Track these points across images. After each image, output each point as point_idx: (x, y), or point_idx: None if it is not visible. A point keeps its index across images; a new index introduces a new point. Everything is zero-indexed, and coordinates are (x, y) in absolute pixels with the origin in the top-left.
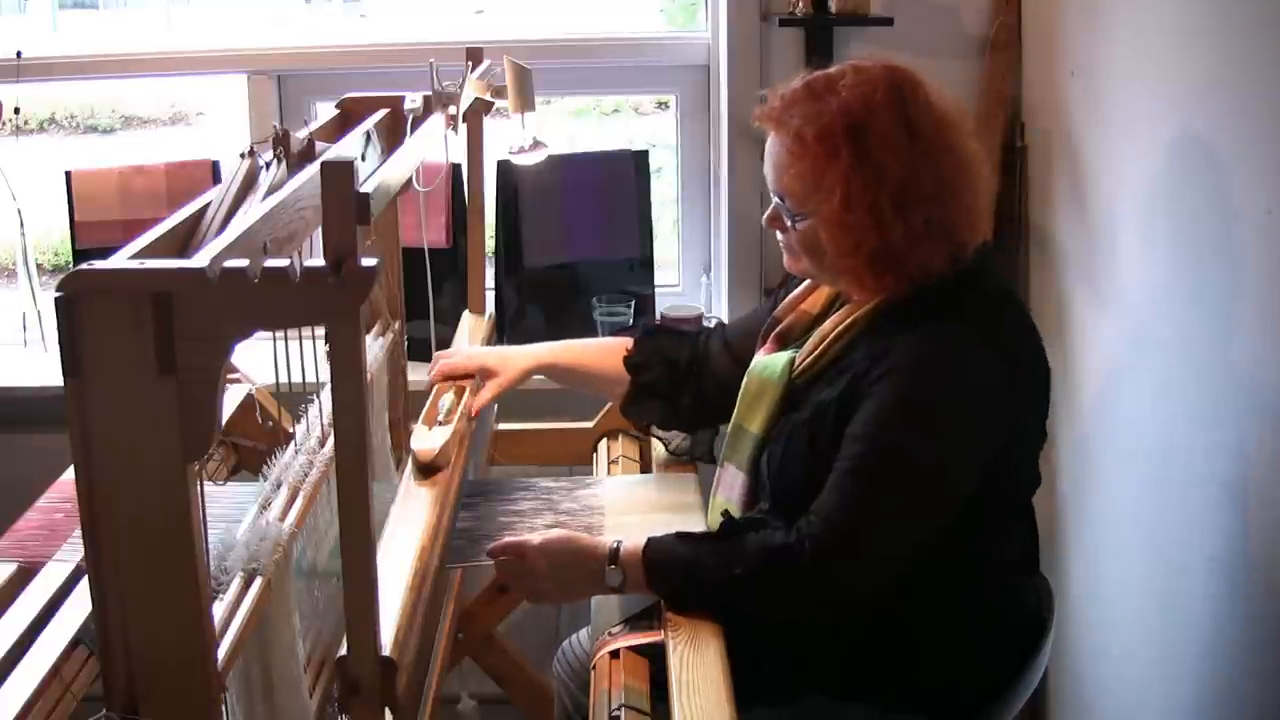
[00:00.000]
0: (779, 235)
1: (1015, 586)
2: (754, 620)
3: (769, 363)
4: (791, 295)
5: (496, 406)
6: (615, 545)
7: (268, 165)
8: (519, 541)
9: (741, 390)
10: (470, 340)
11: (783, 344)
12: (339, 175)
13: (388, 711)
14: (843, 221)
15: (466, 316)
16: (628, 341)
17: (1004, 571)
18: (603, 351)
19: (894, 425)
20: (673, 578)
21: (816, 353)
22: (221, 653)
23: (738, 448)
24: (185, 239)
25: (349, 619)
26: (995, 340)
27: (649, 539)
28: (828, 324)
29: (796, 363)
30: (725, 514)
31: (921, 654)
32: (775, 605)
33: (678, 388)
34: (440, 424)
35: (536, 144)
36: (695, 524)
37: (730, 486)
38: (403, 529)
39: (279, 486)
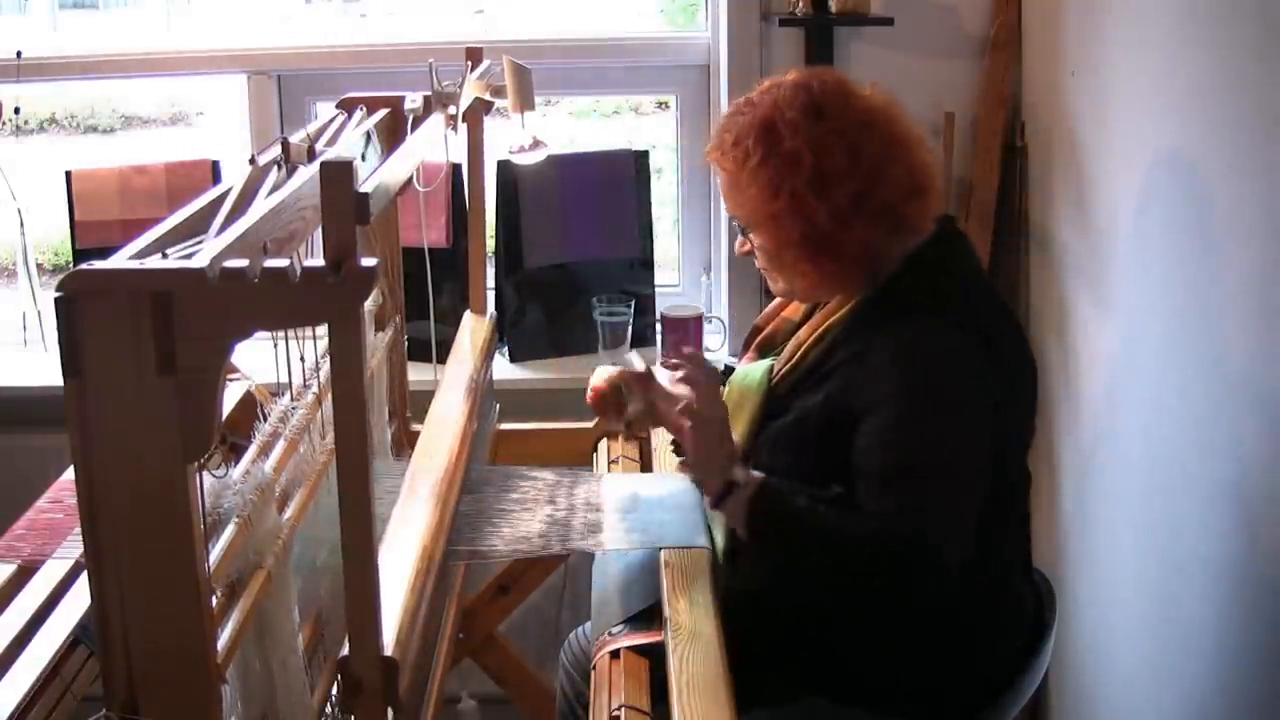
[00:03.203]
0: (757, 263)
1: (1013, 588)
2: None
3: (749, 371)
4: (774, 303)
5: (498, 406)
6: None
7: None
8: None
9: (725, 400)
10: (472, 339)
11: (764, 352)
12: (339, 175)
13: (390, 711)
14: (771, 214)
15: (468, 316)
16: None
17: (1002, 573)
18: None
19: (909, 420)
20: (776, 519)
21: (795, 360)
22: (220, 646)
23: None
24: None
25: (350, 618)
26: (970, 325)
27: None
28: (803, 331)
29: (775, 370)
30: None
31: (920, 657)
32: (874, 585)
33: None
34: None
35: (537, 143)
36: (695, 523)
37: None
38: (405, 528)
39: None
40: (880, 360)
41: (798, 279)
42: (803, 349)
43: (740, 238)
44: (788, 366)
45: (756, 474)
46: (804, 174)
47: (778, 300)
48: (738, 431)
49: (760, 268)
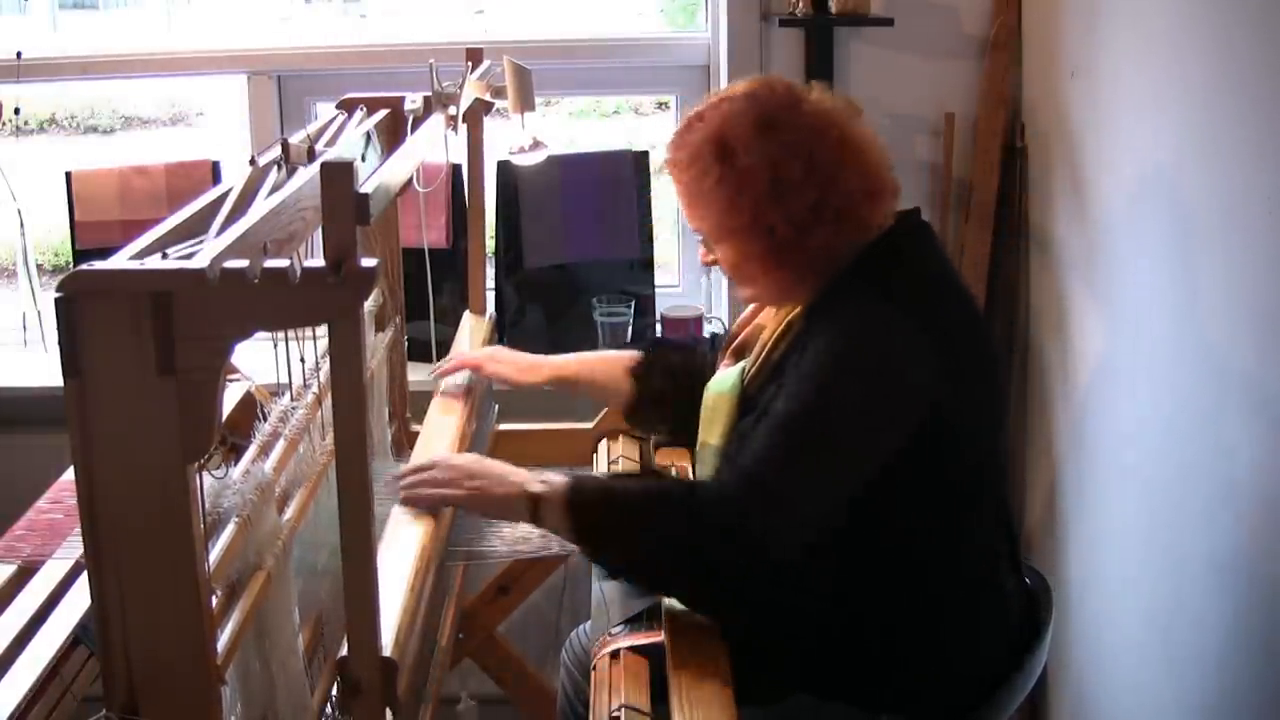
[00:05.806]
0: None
1: (997, 584)
2: (659, 566)
3: (724, 377)
4: (749, 309)
5: (497, 407)
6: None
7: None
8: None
9: (702, 409)
10: (471, 341)
11: (739, 357)
12: (339, 175)
13: (389, 712)
14: (731, 229)
15: (467, 316)
16: (634, 354)
17: (983, 569)
18: (609, 363)
19: (811, 383)
20: (594, 502)
21: (761, 359)
22: (220, 647)
23: (704, 463)
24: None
25: (349, 619)
26: (916, 313)
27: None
28: (766, 331)
29: (746, 372)
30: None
31: (905, 655)
32: (676, 539)
33: (678, 395)
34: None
35: (537, 143)
36: None
37: None
38: (404, 529)
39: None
40: (819, 344)
41: (759, 289)
42: (767, 348)
43: (703, 249)
44: (755, 367)
45: (560, 479)
46: (761, 188)
47: (753, 306)
48: (715, 436)
49: (727, 274)
